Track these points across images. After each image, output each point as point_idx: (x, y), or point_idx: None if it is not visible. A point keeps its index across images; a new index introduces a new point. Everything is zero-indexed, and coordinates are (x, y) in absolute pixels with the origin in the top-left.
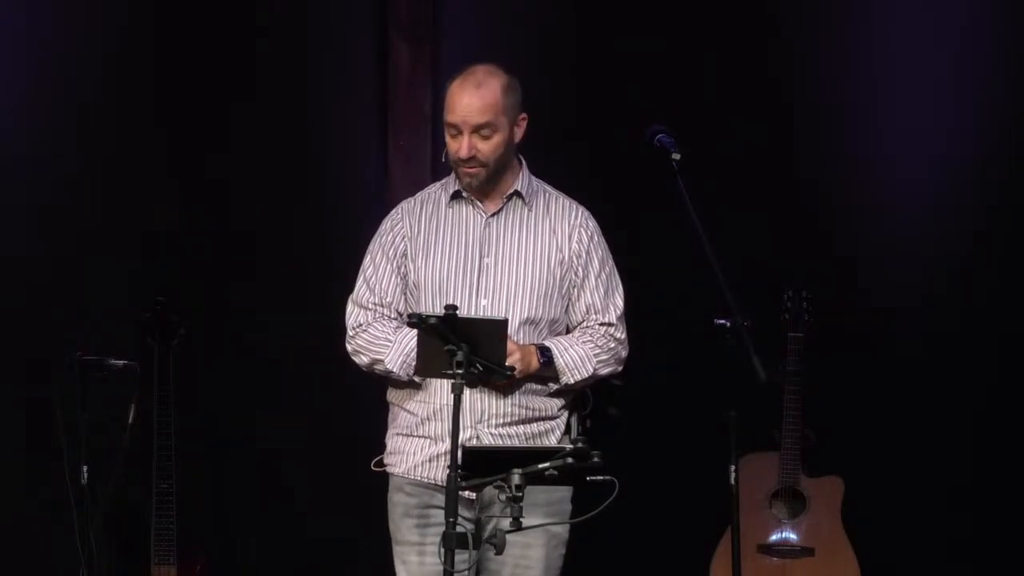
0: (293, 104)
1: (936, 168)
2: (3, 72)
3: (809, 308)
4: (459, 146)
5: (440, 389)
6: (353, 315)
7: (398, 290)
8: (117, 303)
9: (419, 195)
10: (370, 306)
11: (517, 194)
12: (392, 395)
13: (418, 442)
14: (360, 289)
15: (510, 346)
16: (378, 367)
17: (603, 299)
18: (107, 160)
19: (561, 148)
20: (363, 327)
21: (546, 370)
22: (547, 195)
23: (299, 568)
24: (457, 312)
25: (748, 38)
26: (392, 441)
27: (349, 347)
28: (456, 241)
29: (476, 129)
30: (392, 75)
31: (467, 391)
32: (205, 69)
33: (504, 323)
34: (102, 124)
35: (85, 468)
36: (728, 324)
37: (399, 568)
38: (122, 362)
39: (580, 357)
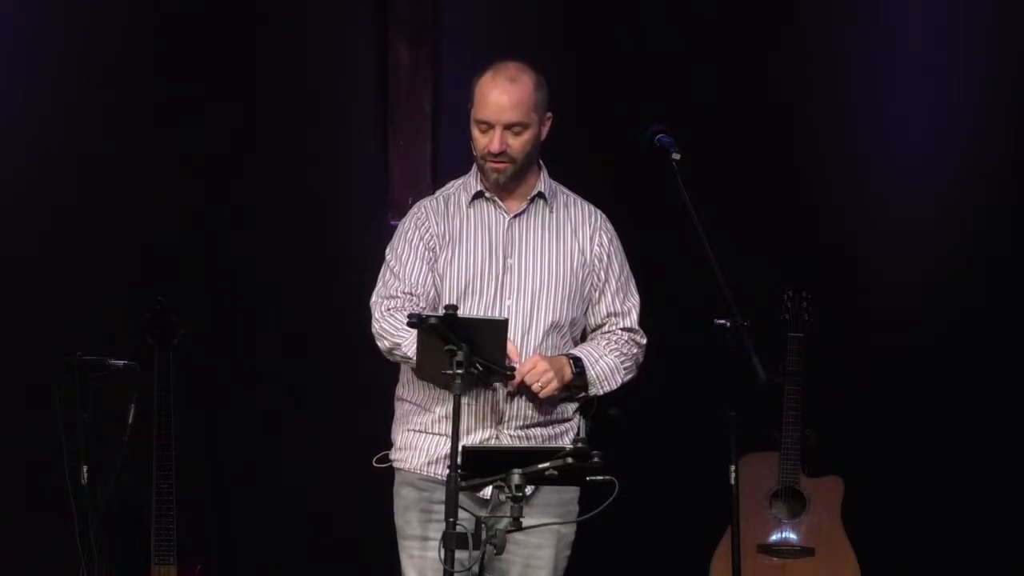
0: (293, 104)
1: (936, 168)
2: (3, 72)
3: (809, 308)
4: (489, 141)
5: None
6: (381, 305)
7: (428, 280)
8: (117, 303)
9: (439, 193)
10: (399, 295)
11: (540, 195)
12: (406, 392)
13: (432, 439)
14: (388, 281)
15: (542, 364)
16: (396, 352)
17: (623, 303)
18: (107, 160)
19: (561, 148)
20: (391, 311)
21: (577, 380)
22: (566, 197)
23: (299, 568)
24: (457, 312)
25: (748, 38)
26: (403, 437)
27: (374, 328)
28: (480, 241)
29: (508, 126)
30: (392, 75)
31: (489, 393)
32: (205, 69)
33: (504, 323)
34: (102, 124)
35: (85, 468)
36: (728, 324)
37: (405, 562)
38: (122, 362)
39: (610, 368)
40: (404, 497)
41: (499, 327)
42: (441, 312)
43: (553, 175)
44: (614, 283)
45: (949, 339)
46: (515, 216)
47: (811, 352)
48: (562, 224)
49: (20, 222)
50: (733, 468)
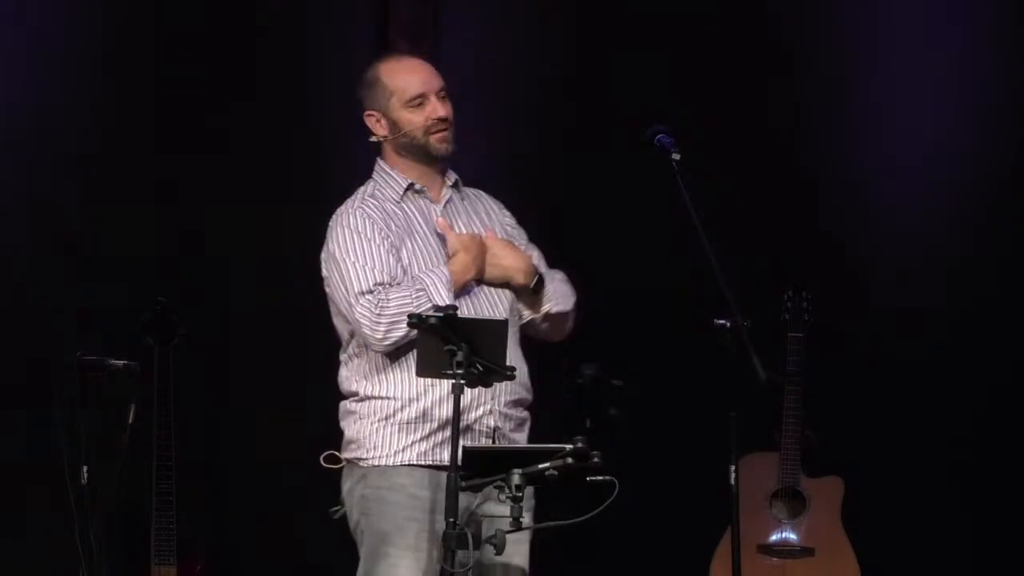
0: (293, 104)
1: (936, 168)
2: (2, 71)
3: (809, 308)
4: (433, 108)
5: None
6: (365, 304)
7: (399, 268)
8: (117, 303)
9: (356, 202)
10: (385, 280)
11: (456, 182)
12: (362, 386)
13: (395, 428)
14: (359, 279)
15: (511, 252)
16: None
17: (538, 259)
18: (107, 160)
19: (561, 148)
20: (384, 300)
21: (536, 287)
22: (459, 182)
23: (299, 568)
24: (457, 312)
25: (749, 38)
26: (366, 432)
27: (380, 329)
28: (421, 235)
29: (439, 91)
30: None
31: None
32: (205, 69)
33: (504, 323)
34: (102, 124)
35: (85, 468)
36: (728, 324)
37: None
38: (122, 362)
39: (565, 293)
40: (368, 496)
41: (499, 327)
42: (441, 312)
43: (552, 173)
44: (534, 251)
45: (949, 339)
46: (444, 205)
47: (811, 352)
48: (476, 207)
49: (20, 222)
50: (733, 468)
